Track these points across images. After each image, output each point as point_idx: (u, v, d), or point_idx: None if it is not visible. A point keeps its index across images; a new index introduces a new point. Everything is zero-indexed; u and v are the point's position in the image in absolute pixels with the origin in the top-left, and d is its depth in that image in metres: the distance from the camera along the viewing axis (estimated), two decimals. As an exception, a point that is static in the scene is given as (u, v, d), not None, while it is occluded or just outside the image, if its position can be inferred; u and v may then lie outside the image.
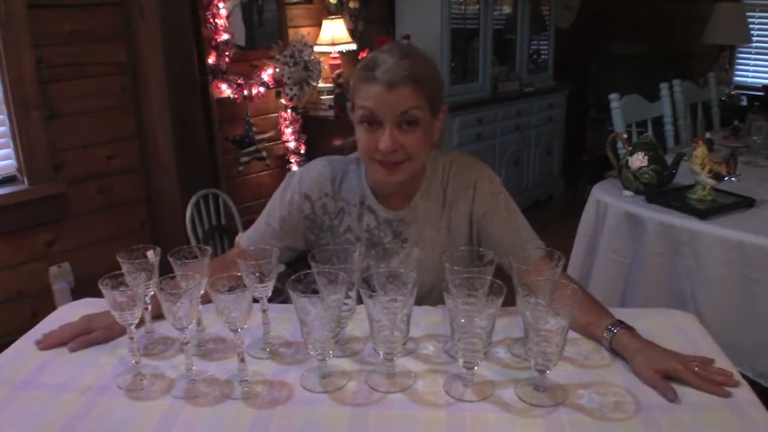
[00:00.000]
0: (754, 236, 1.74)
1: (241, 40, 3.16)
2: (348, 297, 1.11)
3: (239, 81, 3.06)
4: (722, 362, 1.08)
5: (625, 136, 2.49)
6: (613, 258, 2.04)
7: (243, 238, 1.43)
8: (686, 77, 3.39)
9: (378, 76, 1.19)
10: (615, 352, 1.10)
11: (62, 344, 1.17)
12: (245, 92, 3.07)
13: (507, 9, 4.19)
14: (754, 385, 1.39)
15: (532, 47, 4.37)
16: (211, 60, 2.99)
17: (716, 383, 1.00)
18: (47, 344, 1.17)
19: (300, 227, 1.39)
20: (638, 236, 1.96)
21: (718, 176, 1.95)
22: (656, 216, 1.92)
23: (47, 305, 2.38)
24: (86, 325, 1.19)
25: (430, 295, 1.34)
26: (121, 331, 1.10)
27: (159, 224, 2.95)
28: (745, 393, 0.99)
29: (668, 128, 3.00)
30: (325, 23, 3.48)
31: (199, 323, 1.19)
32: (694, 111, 3.29)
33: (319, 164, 1.41)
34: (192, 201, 2.71)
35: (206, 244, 2.61)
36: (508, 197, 1.38)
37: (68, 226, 2.69)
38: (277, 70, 3.13)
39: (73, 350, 1.15)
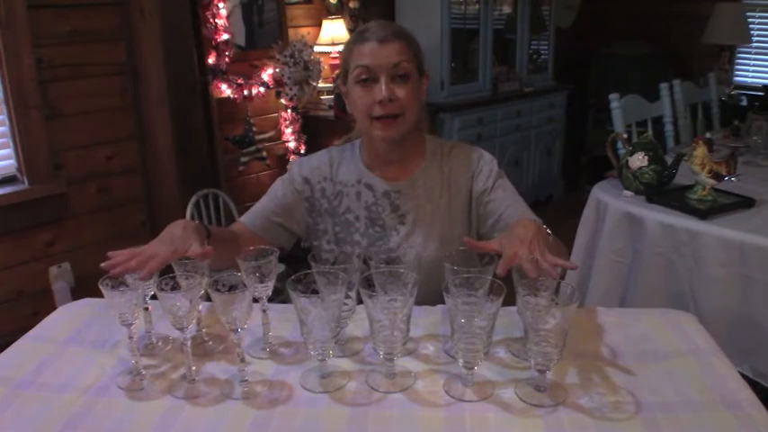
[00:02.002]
0: (754, 236, 1.74)
1: (241, 40, 3.16)
2: (348, 297, 1.11)
3: (239, 81, 3.06)
4: (722, 361, 1.08)
5: (625, 136, 2.49)
6: (613, 258, 2.04)
7: (243, 217, 1.45)
8: (686, 77, 3.39)
9: (368, 36, 1.29)
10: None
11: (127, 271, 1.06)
12: (245, 92, 3.07)
13: (507, 9, 4.19)
14: (754, 385, 1.40)
15: (532, 47, 4.37)
16: (211, 60, 2.99)
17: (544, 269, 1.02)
18: (115, 271, 1.06)
19: (300, 208, 1.44)
20: (638, 236, 1.96)
21: (718, 176, 1.95)
22: (656, 216, 1.91)
23: (47, 305, 2.38)
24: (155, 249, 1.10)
25: (431, 275, 1.33)
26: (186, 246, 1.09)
27: (159, 224, 2.94)
28: (745, 393, 0.99)
29: (668, 128, 3.00)
30: (326, 23, 3.48)
31: (199, 323, 1.19)
32: (694, 111, 3.29)
33: (318, 152, 1.49)
34: (192, 201, 2.71)
35: (206, 244, 2.61)
36: (506, 178, 1.44)
37: (68, 226, 2.69)
38: (277, 70, 3.13)
39: (142, 279, 1.05)
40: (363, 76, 1.29)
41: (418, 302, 1.33)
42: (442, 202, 1.41)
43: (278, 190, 1.44)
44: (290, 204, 1.43)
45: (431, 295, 1.28)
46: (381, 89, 1.27)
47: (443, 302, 0.99)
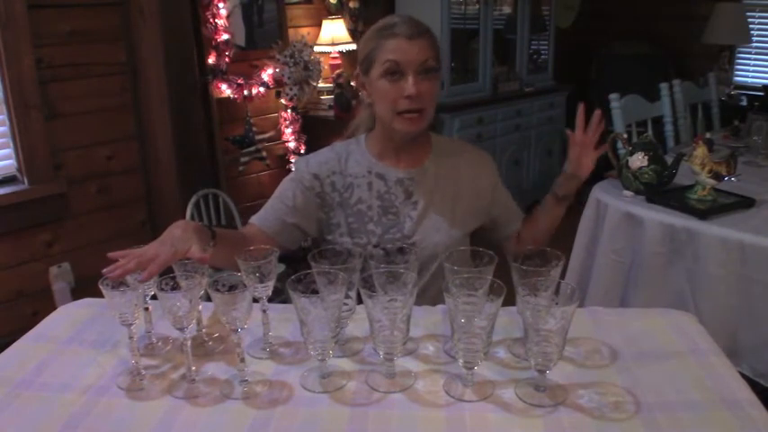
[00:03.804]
0: (754, 236, 1.74)
1: (241, 40, 3.16)
2: (348, 297, 1.11)
3: (239, 81, 3.06)
4: (722, 361, 1.08)
5: (625, 136, 2.49)
6: (613, 258, 2.04)
7: (254, 219, 1.44)
8: (686, 77, 3.39)
9: (398, 31, 1.32)
10: (561, 195, 1.52)
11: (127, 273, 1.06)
12: (245, 92, 3.07)
13: (507, 9, 4.19)
14: (754, 385, 1.40)
15: (532, 47, 4.37)
16: (211, 60, 2.99)
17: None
18: (114, 274, 1.05)
19: (312, 204, 1.44)
20: (638, 236, 1.96)
21: (718, 176, 1.95)
22: (656, 216, 1.91)
23: (47, 305, 2.38)
24: (156, 250, 1.09)
25: (435, 262, 1.39)
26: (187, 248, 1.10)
27: (159, 224, 2.96)
28: (745, 393, 0.99)
29: (668, 128, 3.00)
30: (326, 23, 3.48)
31: (199, 323, 1.19)
32: (694, 111, 3.29)
33: (324, 148, 1.50)
34: (192, 201, 2.71)
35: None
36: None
37: (68, 226, 2.69)
38: (277, 70, 3.13)
39: (143, 281, 1.06)
40: (392, 71, 1.32)
41: (427, 285, 1.39)
42: (452, 189, 1.46)
43: (287, 191, 1.44)
44: (302, 204, 1.43)
45: (440, 279, 1.30)
46: (410, 85, 1.30)
47: (444, 302, 0.99)
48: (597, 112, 1.41)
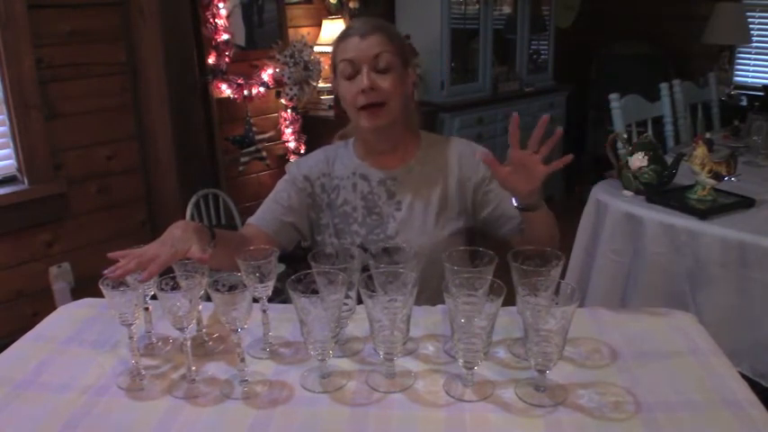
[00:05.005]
0: (754, 236, 1.74)
1: (241, 40, 3.16)
2: (348, 297, 1.11)
3: (239, 81, 3.06)
4: (722, 361, 1.08)
5: (625, 136, 2.49)
6: (613, 258, 2.04)
7: (252, 220, 1.46)
8: (686, 77, 3.39)
9: (351, 32, 1.36)
10: (521, 206, 1.31)
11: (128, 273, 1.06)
12: (245, 92, 3.07)
13: (507, 9, 4.19)
14: (754, 385, 1.39)
15: (532, 47, 4.37)
16: (211, 60, 2.99)
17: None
18: (114, 274, 1.05)
19: (304, 205, 1.47)
20: (637, 236, 1.96)
21: (718, 176, 1.95)
22: (656, 216, 1.91)
23: (47, 305, 2.38)
24: (156, 251, 1.09)
25: (430, 260, 1.36)
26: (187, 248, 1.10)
27: (159, 224, 2.96)
28: (745, 393, 0.99)
29: (668, 128, 3.00)
30: (326, 23, 3.48)
31: (199, 323, 1.19)
32: (694, 111, 3.29)
33: (313, 152, 1.54)
34: (192, 201, 2.71)
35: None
36: None
37: (68, 226, 2.69)
38: (277, 70, 3.13)
39: (143, 281, 1.05)
40: (348, 70, 1.34)
41: (419, 289, 1.36)
42: (438, 188, 1.44)
43: (282, 192, 1.47)
44: (297, 204, 1.46)
45: (431, 281, 1.29)
46: (363, 78, 1.32)
47: (443, 293, 0.99)
48: (544, 118, 1.26)
